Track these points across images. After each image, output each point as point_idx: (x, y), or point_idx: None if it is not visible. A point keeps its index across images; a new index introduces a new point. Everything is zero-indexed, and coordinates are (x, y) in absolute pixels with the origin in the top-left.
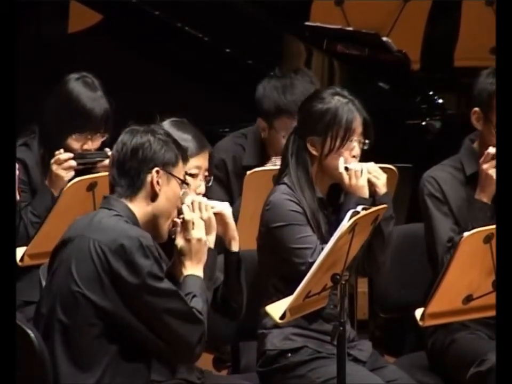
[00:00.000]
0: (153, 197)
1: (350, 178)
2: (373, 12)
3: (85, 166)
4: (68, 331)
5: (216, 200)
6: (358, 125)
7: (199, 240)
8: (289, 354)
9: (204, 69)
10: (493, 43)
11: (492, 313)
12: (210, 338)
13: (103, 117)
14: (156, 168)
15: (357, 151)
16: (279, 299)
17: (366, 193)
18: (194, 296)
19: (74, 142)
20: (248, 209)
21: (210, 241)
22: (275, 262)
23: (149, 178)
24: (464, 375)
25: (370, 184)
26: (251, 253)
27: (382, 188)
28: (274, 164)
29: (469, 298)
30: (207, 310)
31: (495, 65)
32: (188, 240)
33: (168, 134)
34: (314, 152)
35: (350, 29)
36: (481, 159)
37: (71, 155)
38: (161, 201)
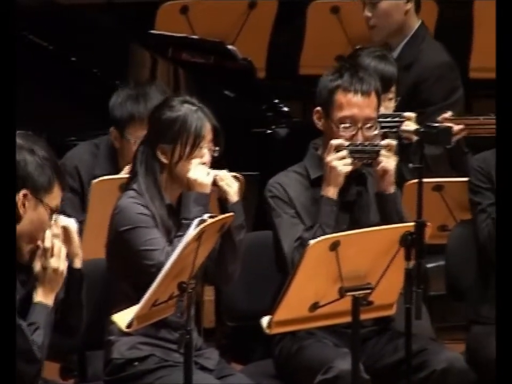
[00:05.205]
0: (17, 218)
1: (194, 173)
2: (218, 20)
3: None
4: None
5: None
6: (207, 132)
7: (55, 270)
8: (136, 363)
9: (49, 78)
10: (338, 51)
11: (338, 320)
12: (56, 347)
13: None
14: (24, 191)
15: (207, 158)
16: (127, 306)
17: (207, 190)
18: (37, 328)
19: None
20: (95, 217)
21: None
22: (125, 267)
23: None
24: (311, 382)
25: (222, 192)
26: (97, 261)
27: (233, 196)
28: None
29: (315, 306)
30: (47, 344)
31: None
32: (44, 268)
33: (47, 157)
34: (164, 160)
35: (195, 37)
36: (326, 152)
37: None
38: (24, 224)
